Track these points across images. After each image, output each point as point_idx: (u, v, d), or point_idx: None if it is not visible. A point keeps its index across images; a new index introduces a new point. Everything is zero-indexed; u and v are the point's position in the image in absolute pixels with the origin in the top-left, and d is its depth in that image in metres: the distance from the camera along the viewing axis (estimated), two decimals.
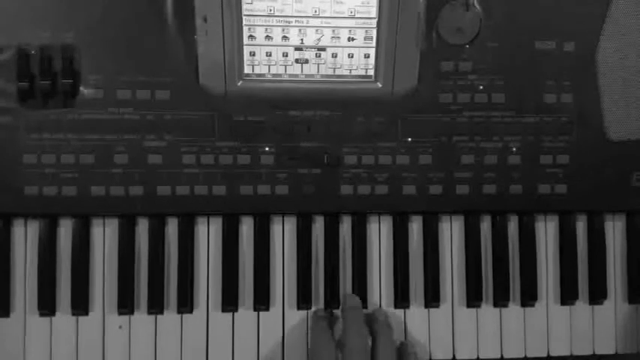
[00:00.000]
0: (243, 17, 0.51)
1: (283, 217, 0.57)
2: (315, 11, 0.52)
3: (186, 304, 0.55)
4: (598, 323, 0.59)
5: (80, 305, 0.54)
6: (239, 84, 0.53)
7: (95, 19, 0.52)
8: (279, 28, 0.52)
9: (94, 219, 0.55)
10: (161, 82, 0.53)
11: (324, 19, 0.52)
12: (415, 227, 0.58)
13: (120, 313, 0.55)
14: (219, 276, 0.56)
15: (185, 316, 0.56)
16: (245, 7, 0.51)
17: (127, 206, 0.54)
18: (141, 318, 0.55)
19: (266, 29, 0.52)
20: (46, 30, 0.52)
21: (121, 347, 0.55)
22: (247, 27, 0.52)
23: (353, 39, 0.53)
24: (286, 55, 0.53)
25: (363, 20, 0.52)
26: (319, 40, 0.53)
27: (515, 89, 0.56)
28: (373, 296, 0.58)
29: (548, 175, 0.57)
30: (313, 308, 0.57)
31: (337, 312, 0.57)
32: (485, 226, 0.59)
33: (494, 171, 0.56)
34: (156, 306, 0.55)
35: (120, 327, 0.55)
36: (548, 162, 0.57)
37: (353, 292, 0.57)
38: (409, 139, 0.56)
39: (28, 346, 0.54)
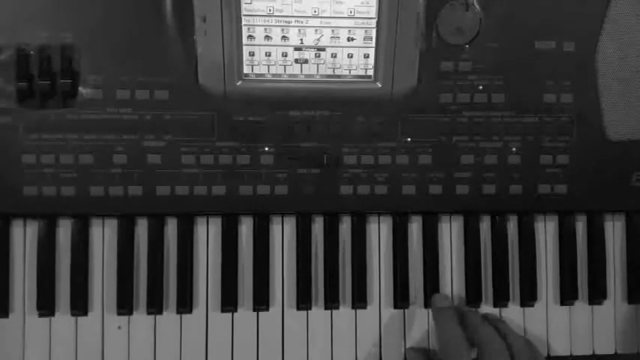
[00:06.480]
0: (243, 17, 0.51)
1: (283, 217, 0.57)
2: (315, 11, 0.52)
3: (185, 305, 0.55)
4: (597, 323, 0.59)
5: (79, 306, 0.54)
6: (238, 84, 0.53)
7: (94, 19, 0.52)
8: (279, 28, 0.52)
9: (93, 219, 0.55)
10: (160, 82, 0.53)
11: (323, 19, 0.52)
12: (415, 227, 0.58)
13: (119, 314, 0.55)
14: (218, 276, 0.56)
15: (184, 316, 0.56)
16: (244, 7, 0.51)
17: (126, 206, 0.54)
18: (140, 318, 0.55)
19: (265, 29, 0.52)
20: (45, 30, 0.52)
21: (120, 348, 0.55)
22: (246, 27, 0.52)
23: (352, 39, 0.53)
24: (286, 55, 0.53)
25: (362, 20, 0.52)
26: (319, 40, 0.53)
27: (515, 89, 0.56)
28: (373, 297, 0.57)
29: (547, 175, 0.57)
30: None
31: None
32: (485, 226, 0.59)
33: (494, 171, 0.56)
34: (155, 306, 0.55)
35: (119, 327, 0.55)
36: (547, 162, 0.57)
37: (352, 292, 0.57)
38: (409, 139, 0.56)
39: (27, 346, 0.54)
